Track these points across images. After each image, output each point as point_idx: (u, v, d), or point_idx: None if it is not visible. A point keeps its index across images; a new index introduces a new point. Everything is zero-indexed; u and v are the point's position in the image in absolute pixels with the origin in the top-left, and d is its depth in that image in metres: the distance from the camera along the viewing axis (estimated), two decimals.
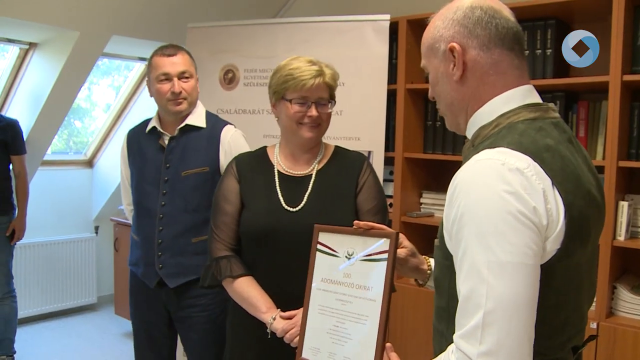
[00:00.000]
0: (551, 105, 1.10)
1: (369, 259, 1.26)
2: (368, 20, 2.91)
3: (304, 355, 1.31)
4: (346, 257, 1.30)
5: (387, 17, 2.88)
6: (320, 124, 1.66)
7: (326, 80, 1.63)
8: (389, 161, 2.97)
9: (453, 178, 1.00)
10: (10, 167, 3.42)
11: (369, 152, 2.88)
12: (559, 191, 0.95)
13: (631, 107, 2.43)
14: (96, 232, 4.67)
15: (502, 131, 1.02)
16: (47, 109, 3.69)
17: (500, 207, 0.91)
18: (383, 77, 2.89)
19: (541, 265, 0.94)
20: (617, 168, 2.32)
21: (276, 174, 1.70)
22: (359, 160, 1.74)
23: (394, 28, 2.90)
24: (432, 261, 1.36)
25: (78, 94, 3.81)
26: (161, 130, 2.19)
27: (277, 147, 1.77)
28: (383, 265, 1.23)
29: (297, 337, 1.37)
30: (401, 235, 1.33)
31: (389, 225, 1.65)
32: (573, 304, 1.04)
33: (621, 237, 2.35)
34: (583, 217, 0.98)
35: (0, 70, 3.82)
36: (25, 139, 3.53)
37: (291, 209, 1.64)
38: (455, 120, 1.14)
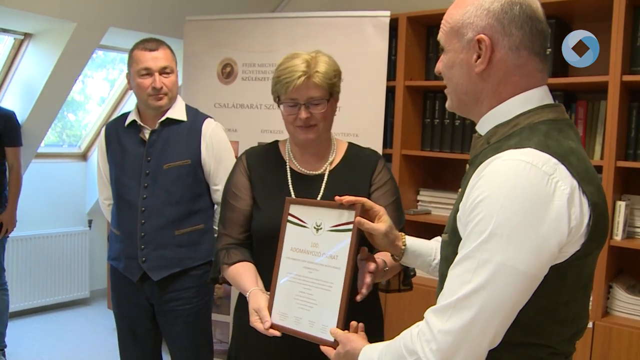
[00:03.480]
0: (562, 106, 1.09)
1: (336, 229, 1.33)
2: (368, 17, 2.90)
3: (272, 320, 1.37)
4: (315, 227, 1.37)
5: (387, 13, 2.87)
6: (315, 124, 1.57)
7: (314, 80, 1.52)
8: (386, 158, 2.94)
9: (477, 172, 0.99)
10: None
11: None
12: (585, 193, 0.95)
13: (630, 107, 2.44)
14: (90, 226, 4.63)
15: (524, 131, 1.00)
16: (41, 101, 3.65)
17: (518, 212, 0.91)
18: (382, 74, 2.88)
19: (556, 265, 0.95)
20: (615, 168, 2.33)
21: (289, 172, 1.65)
22: (373, 158, 1.68)
23: (393, 24, 2.89)
24: (407, 238, 1.39)
25: (73, 86, 3.77)
26: (141, 124, 2.19)
27: (288, 142, 1.70)
28: (348, 235, 1.30)
29: (258, 323, 1.41)
30: (381, 209, 1.35)
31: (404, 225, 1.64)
32: (582, 299, 1.05)
33: (618, 237, 2.36)
34: (605, 217, 1.00)
35: None
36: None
37: None
38: (464, 107, 1.12)
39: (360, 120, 2.90)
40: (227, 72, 3.13)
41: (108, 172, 2.27)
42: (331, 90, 1.58)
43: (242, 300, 1.64)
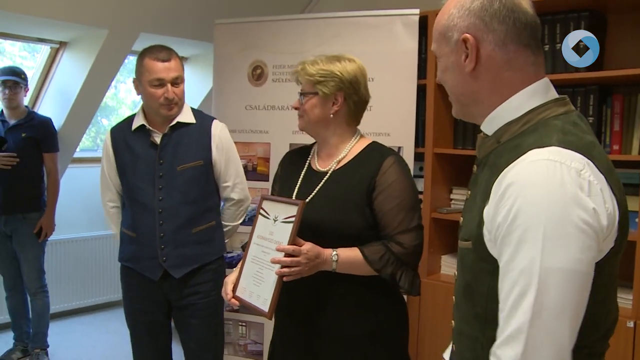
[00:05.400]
0: (567, 97, 1.08)
1: (286, 220, 1.58)
2: (397, 15, 2.88)
3: (237, 293, 1.66)
4: (273, 219, 1.63)
5: (417, 11, 2.85)
6: (302, 115, 1.73)
7: (299, 76, 1.72)
8: (419, 157, 2.95)
9: (501, 176, 0.96)
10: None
11: (399, 148, 2.86)
12: (612, 188, 0.93)
13: None
14: None
15: (539, 128, 0.99)
16: (76, 107, 3.74)
17: (558, 212, 0.88)
18: (413, 72, 2.86)
19: (597, 263, 0.93)
20: None
21: (305, 168, 1.77)
22: (380, 159, 1.66)
23: (423, 22, 2.87)
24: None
25: (107, 91, 3.85)
26: (150, 128, 2.24)
27: None
28: (291, 226, 1.55)
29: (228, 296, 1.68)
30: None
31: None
32: (613, 296, 1.05)
33: None
34: (627, 211, 0.99)
35: (32, 69, 3.88)
36: None
37: None
38: (466, 110, 1.13)
39: (391, 119, 2.88)
40: (258, 74, 3.15)
41: (114, 175, 2.33)
42: (315, 89, 1.67)
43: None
